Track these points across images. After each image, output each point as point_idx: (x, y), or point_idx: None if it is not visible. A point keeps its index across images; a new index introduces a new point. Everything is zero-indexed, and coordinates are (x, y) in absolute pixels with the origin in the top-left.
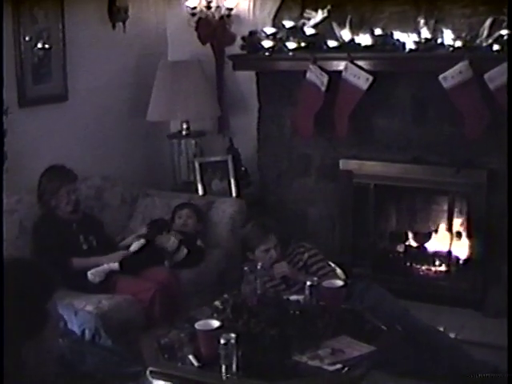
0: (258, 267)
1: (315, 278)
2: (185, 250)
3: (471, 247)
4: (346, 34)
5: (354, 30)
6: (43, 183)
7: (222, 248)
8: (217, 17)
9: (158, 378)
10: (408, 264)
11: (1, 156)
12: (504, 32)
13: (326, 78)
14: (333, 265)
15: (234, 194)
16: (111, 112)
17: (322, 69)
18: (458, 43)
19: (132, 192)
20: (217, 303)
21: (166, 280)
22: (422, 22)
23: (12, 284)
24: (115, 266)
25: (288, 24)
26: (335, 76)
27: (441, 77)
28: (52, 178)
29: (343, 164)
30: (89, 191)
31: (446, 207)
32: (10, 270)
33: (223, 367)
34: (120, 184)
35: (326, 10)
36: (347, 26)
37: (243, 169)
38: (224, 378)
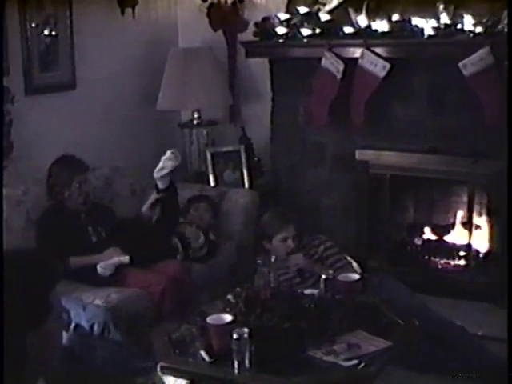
0: (272, 260)
1: (330, 271)
2: (206, 248)
3: (491, 240)
4: (362, 20)
5: (371, 16)
6: (54, 174)
7: (235, 240)
8: (229, 2)
9: (169, 374)
10: (426, 257)
11: (0, 148)
12: None
13: (341, 66)
14: (348, 258)
15: (246, 185)
16: (120, 101)
17: (337, 56)
18: (479, 29)
19: (142, 183)
20: (229, 297)
21: (177, 273)
22: (441, 7)
23: (14, 275)
24: (126, 259)
25: (302, 10)
26: (351, 63)
27: (460, 64)
28: (64, 169)
29: (359, 154)
30: (97, 182)
31: (465, 199)
32: (11, 261)
33: (236, 363)
34: (129, 174)
35: None
36: (363, 12)
37: (256, 159)
38: (236, 373)
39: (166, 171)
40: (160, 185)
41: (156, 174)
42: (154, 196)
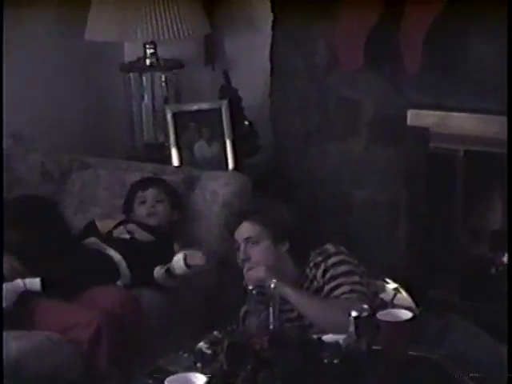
0: (272, 285)
1: (364, 306)
2: (165, 266)
3: None
4: None
5: None
6: None
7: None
8: None
9: None
10: None
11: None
12: None
13: None
14: (393, 284)
15: (230, 165)
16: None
17: None
18: None
19: (61, 161)
20: (202, 345)
21: (117, 307)
22: None
23: None
24: (35, 282)
25: None
26: None
27: None
28: None
29: (413, 117)
30: None
31: None
32: None
33: None
34: (40, 149)
35: None
36: None
37: (247, 123)
38: None
39: None
40: None
41: None
42: None
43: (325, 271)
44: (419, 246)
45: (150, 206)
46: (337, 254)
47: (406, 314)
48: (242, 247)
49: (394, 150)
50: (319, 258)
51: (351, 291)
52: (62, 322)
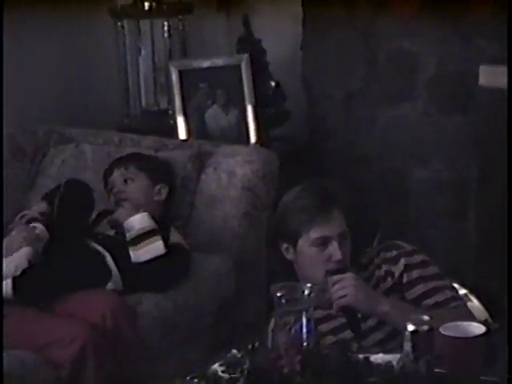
0: (305, 290)
1: (424, 318)
2: (166, 261)
3: None
4: None
5: None
6: None
7: (227, 250)
8: None
9: None
10: None
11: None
12: None
13: None
14: (462, 290)
15: (252, 138)
16: None
17: None
18: None
19: (35, 133)
20: (217, 368)
21: (109, 318)
22: None
23: None
24: (4, 285)
25: None
26: None
27: None
28: None
29: (486, 75)
30: None
31: None
32: None
33: None
34: (8, 118)
35: None
36: None
37: (272, 84)
38: None
39: None
40: None
41: None
42: None
43: (407, 268)
44: (494, 241)
45: (117, 191)
46: (414, 251)
47: (478, 328)
48: (333, 245)
49: (460, 116)
50: (393, 253)
51: (455, 299)
52: (38, 338)
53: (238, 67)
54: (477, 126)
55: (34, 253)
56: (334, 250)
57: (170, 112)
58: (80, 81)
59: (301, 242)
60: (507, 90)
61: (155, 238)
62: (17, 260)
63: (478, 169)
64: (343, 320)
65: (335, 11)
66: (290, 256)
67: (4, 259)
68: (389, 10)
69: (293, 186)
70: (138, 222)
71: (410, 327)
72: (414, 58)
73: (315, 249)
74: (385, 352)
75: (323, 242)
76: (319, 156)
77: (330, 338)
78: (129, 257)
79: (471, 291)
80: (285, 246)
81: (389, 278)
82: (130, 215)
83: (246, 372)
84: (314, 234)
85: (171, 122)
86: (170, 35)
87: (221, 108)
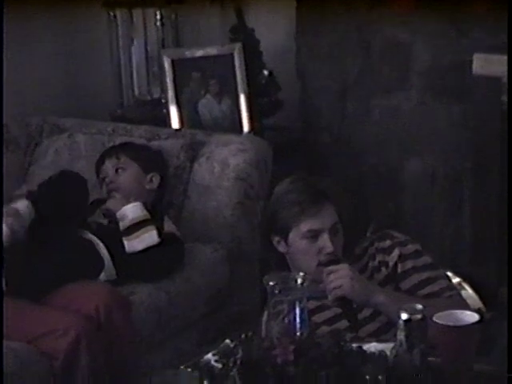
0: (298, 280)
1: (418, 307)
2: (161, 250)
3: None
4: None
5: None
6: None
7: (221, 240)
8: None
9: None
10: None
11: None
12: None
13: None
14: (455, 279)
15: (245, 127)
16: None
17: None
18: None
19: (29, 125)
20: (210, 357)
21: (102, 309)
22: None
23: None
24: None
25: None
26: None
27: None
28: None
29: (481, 64)
30: None
31: None
32: None
33: None
34: (2, 109)
35: None
36: None
37: (266, 73)
38: None
39: None
40: None
41: None
42: None
43: (402, 257)
44: (489, 232)
45: (109, 182)
46: (407, 241)
47: (472, 316)
48: (324, 237)
49: (455, 106)
50: (387, 242)
51: (449, 288)
52: (32, 329)
53: (231, 56)
54: (471, 116)
55: (11, 230)
56: (325, 242)
57: (163, 101)
58: (73, 71)
59: (292, 235)
60: (507, 83)
61: (149, 227)
62: None
63: (473, 158)
64: (337, 310)
65: (329, 1)
66: (281, 249)
67: None
68: (383, 0)
69: (285, 176)
70: (131, 211)
71: (404, 316)
72: (408, 48)
73: (306, 241)
74: (380, 342)
75: (314, 235)
76: (312, 146)
77: (325, 329)
78: (122, 246)
79: (465, 280)
80: (276, 238)
81: (383, 269)
82: (122, 205)
83: (239, 362)
84: (305, 226)
85: (164, 111)
86: (162, 24)
87: (214, 97)
